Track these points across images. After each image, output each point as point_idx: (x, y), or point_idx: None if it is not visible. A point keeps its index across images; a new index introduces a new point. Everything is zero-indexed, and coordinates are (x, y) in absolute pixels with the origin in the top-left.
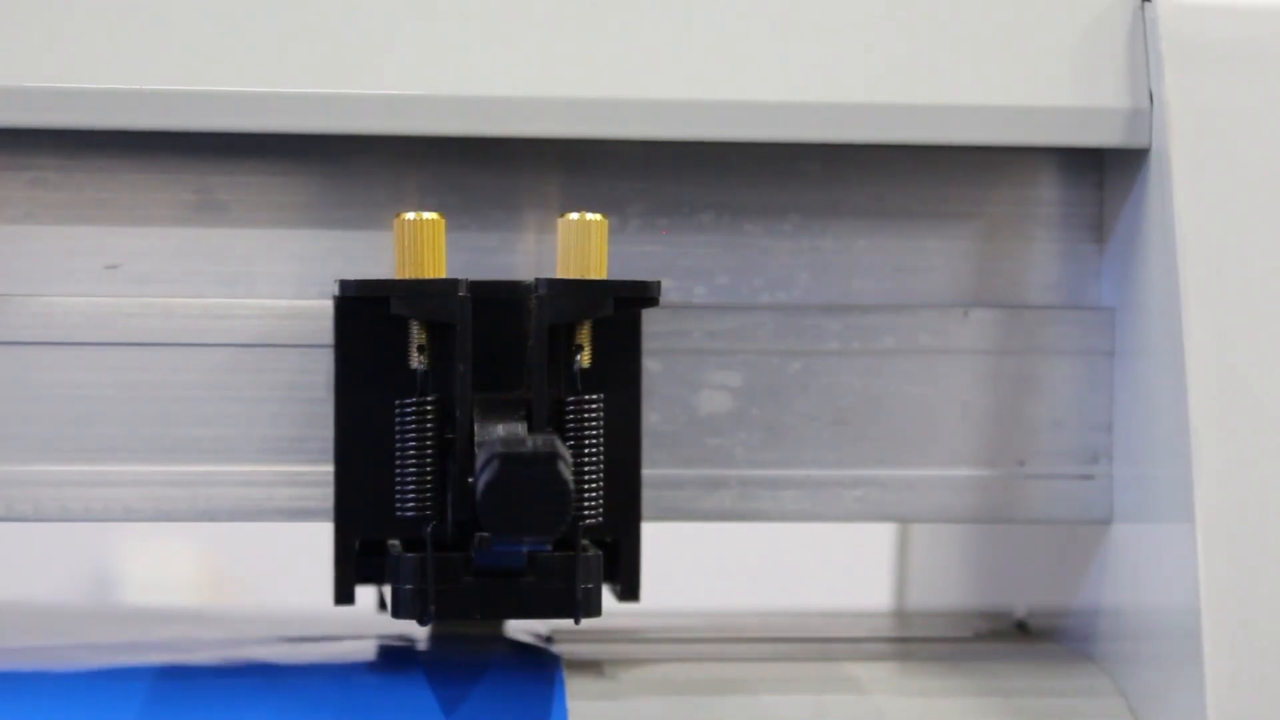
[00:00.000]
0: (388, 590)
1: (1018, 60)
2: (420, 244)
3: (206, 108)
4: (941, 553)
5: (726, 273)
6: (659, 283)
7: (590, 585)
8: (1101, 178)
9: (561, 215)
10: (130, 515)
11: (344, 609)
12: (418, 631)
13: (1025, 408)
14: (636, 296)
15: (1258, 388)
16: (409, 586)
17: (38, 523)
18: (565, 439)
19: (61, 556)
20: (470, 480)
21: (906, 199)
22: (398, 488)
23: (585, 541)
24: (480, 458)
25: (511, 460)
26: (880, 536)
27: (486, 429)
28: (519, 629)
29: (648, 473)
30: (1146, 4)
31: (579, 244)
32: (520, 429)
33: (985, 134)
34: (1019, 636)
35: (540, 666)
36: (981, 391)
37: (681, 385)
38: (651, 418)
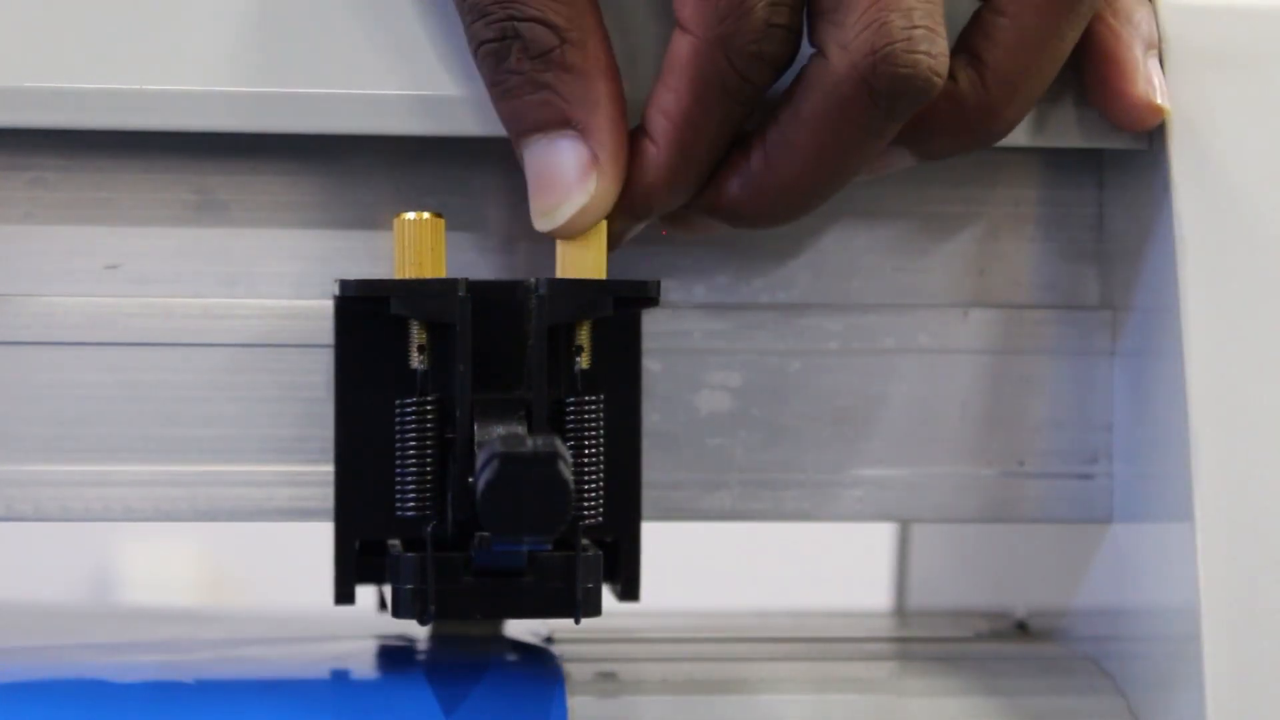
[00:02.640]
0: (388, 590)
1: None
2: (420, 244)
3: (206, 108)
4: (941, 553)
5: (726, 273)
6: (659, 282)
7: (590, 585)
8: (1101, 178)
9: None
10: (130, 515)
11: (344, 609)
12: (418, 631)
13: (1025, 408)
14: (636, 296)
15: (1258, 387)
16: (409, 586)
17: (38, 523)
18: (565, 439)
19: (61, 556)
20: (470, 480)
21: (906, 199)
22: (398, 488)
23: (585, 541)
24: (480, 458)
25: (511, 460)
26: (880, 536)
27: (486, 429)
28: (519, 629)
29: (648, 473)
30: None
31: (579, 244)
32: (520, 429)
33: None
34: (1019, 636)
35: (540, 666)
36: (981, 391)
37: (681, 385)
38: (651, 418)
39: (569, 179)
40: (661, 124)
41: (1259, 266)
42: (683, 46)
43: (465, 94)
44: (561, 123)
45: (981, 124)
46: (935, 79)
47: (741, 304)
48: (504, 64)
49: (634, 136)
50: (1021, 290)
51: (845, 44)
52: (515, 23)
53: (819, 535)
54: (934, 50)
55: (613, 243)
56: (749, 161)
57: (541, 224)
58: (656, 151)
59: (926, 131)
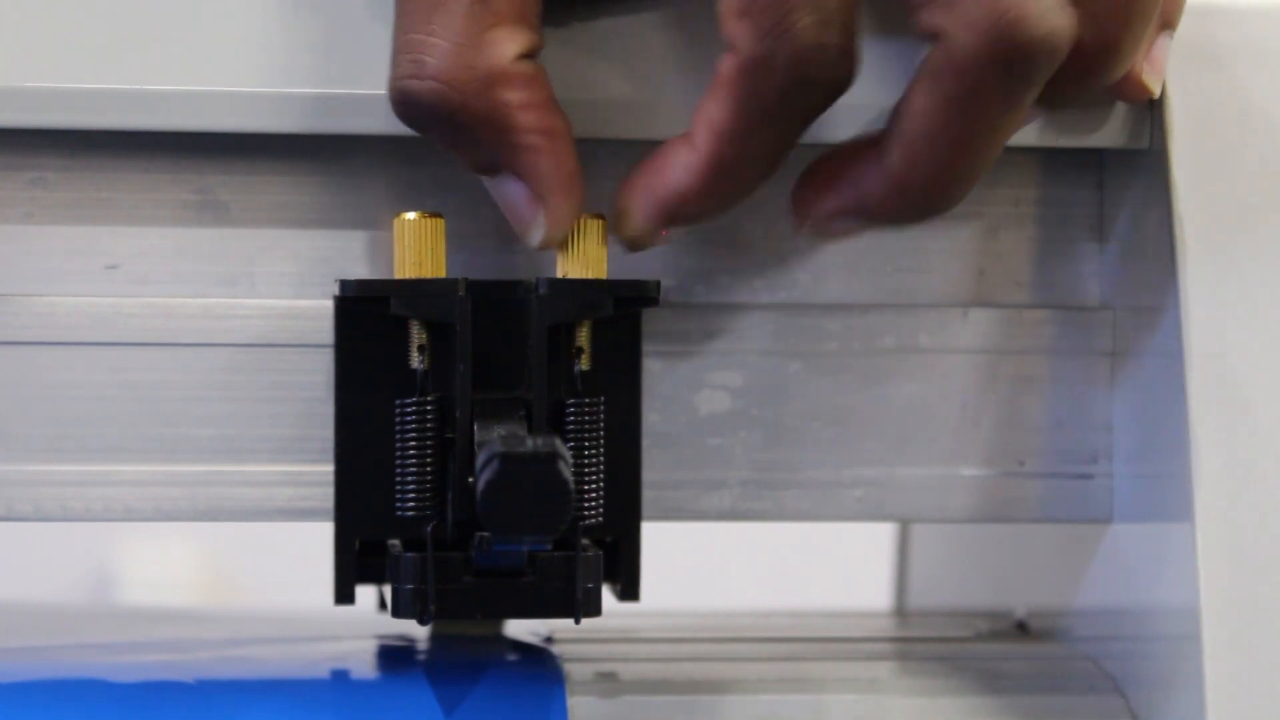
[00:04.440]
0: (388, 590)
1: None
2: (420, 244)
3: (206, 108)
4: (941, 553)
5: (726, 273)
6: (659, 282)
7: (590, 585)
8: (1101, 178)
9: None
10: (130, 515)
11: (344, 609)
12: (418, 631)
13: (1025, 408)
14: (636, 296)
15: (1257, 387)
16: (409, 586)
17: (38, 523)
18: (565, 440)
19: (61, 556)
20: (470, 480)
21: None
22: (398, 488)
23: (585, 541)
24: (480, 458)
25: (511, 460)
26: (880, 536)
27: (486, 429)
28: (519, 629)
29: (648, 473)
30: None
31: (579, 244)
32: (520, 429)
33: None
34: (1019, 636)
35: (540, 666)
36: (981, 391)
37: (681, 385)
38: (651, 418)
39: (523, 213)
40: (704, 135)
41: (1259, 266)
42: (728, 64)
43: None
44: (494, 168)
45: (1103, 59)
46: (1065, 29)
47: (741, 304)
48: (417, 123)
49: (679, 138)
50: (1021, 290)
51: (968, 21)
52: (413, 81)
53: (819, 535)
54: (1055, 1)
55: (643, 242)
56: (889, 160)
57: (524, 242)
58: (695, 159)
59: (1054, 81)
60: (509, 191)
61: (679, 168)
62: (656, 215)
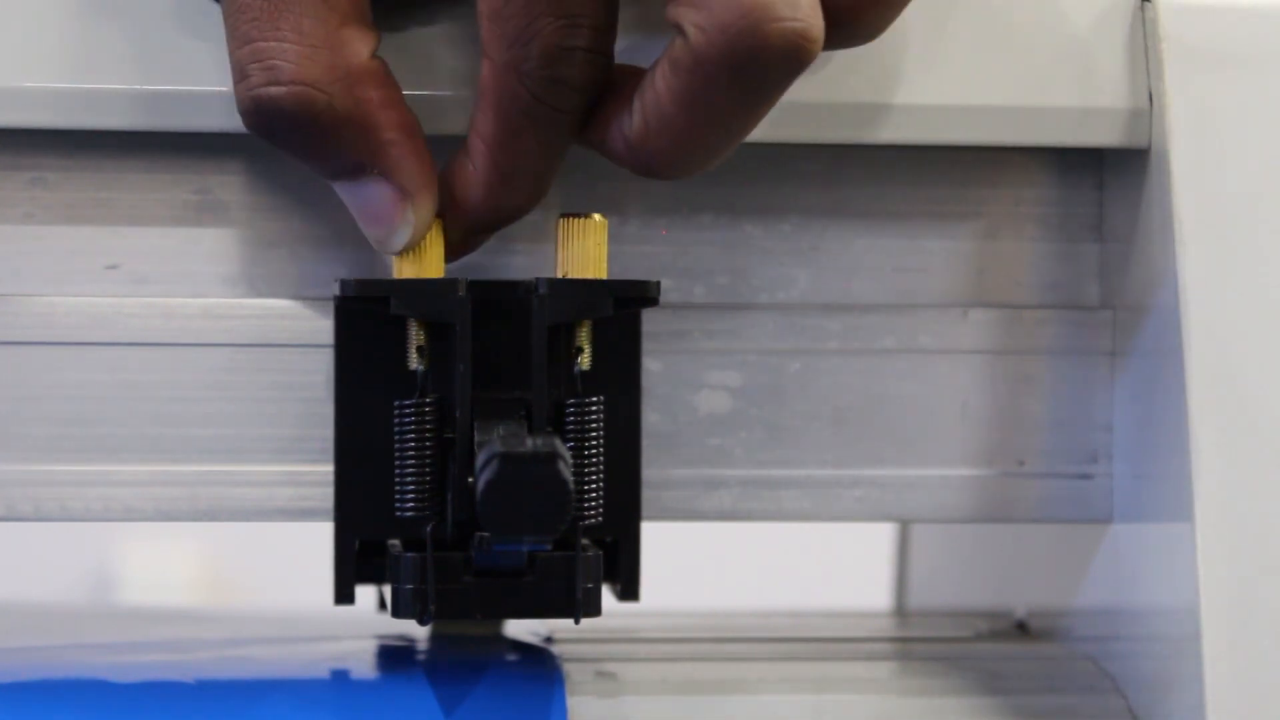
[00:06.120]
0: (388, 590)
1: (1017, 60)
2: (420, 244)
3: (206, 108)
4: (941, 553)
5: (726, 273)
6: (659, 283)
7: (590, 585)
8: (1101, 178)
9: (561, 215)
10: (130, 515)
11: (344, 609)
12: (418, 631)
13: (1025, 408)
14: (636, 296)
15: (1257, 387)
16: (409, 586)
17: (38, 523)
18: (565, 440)
19: (61, 556)
20: (470, 480)
21: (906, 199)
22: (398, 488)
23: (585, 541)
24: (480, 457)
25: (511, 460)
26: (880, 536)
27: (486, 429)
28: (519, 629)
29: (648, 473)
30: (1146, 4)
31: (579, 244)
32: (520, 429)
33: (985, 134)
34: (1019, 636)
35: (540, 666)
36: (981, 391)
37: (681, 385)
38: (651, 418)
39: (388, 216)
40: (478, 146)
41: (1259, 266)
42: (485, 72)
43: (461, 94)
44: (359, 170)
45: (843, 33)
46: (806, 44)
47: (741, 304)
48: (275, 132)
49: (461, 150)
50: (1021, 290)
51: (701, 24)
52: (273, 88)
53: (819, 535)
54: (799, 13)
55: (456, 254)
56: (631, 123)
57: (381, 249)
58: (475, 172)
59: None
60: (373, 194)
61: (463, 184)
62: (462, 232)
